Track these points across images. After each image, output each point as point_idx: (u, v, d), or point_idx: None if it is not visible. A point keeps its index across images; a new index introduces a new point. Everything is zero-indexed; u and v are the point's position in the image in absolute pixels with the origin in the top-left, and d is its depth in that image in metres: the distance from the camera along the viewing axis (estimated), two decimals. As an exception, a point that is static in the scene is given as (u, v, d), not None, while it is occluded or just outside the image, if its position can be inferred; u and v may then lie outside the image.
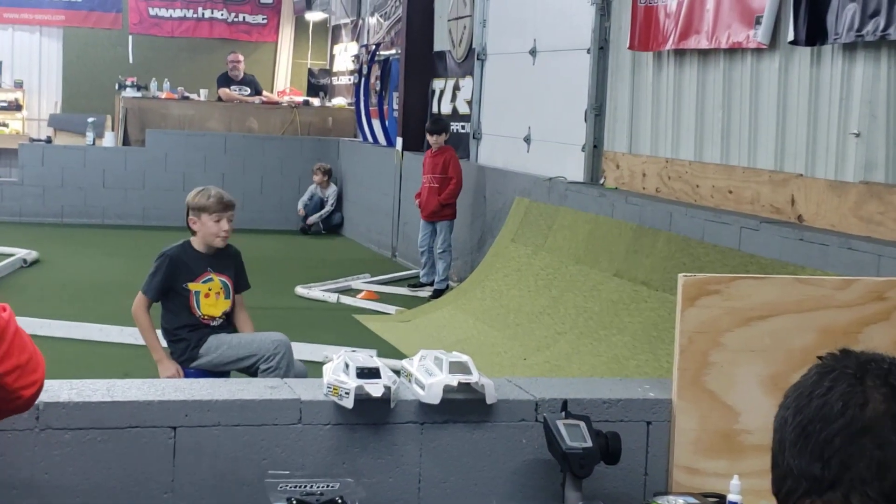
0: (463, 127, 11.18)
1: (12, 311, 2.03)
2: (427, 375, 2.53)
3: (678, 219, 7.10)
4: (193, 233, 5.29)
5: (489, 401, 2.53)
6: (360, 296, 9.90)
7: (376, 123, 13.63)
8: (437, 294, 9.95)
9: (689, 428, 2.59)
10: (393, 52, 13.45)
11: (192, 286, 5.19)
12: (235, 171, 14.22)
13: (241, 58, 15.49)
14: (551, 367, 7.16)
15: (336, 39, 16.82)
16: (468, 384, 2.49)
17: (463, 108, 11.32)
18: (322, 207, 14.11)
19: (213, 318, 5.27)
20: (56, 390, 2.33)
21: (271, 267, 11.43)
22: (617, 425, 2.59)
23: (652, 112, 7.89)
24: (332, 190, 14.14)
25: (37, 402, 2.26)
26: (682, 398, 2.59)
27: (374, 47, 14.21)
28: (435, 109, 11.98)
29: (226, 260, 5.36)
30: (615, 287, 7.45)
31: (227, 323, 5.38)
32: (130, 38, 17.17)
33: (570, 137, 8.96)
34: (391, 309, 9.37)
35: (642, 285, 7.18)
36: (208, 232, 5.18)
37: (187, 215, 5.28)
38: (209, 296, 5.25)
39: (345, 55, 16.22)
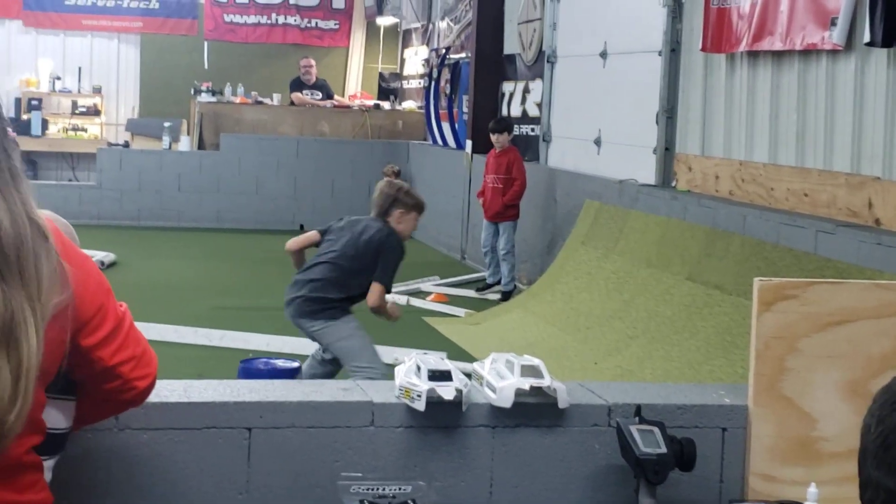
0: (533, 130, 11.17)
1: (128, 309, 2.13)
2: (498, 378, 2.52)
3: (752, 222, 7.02)
4: (387, 223, 5.75)
5: (561, 405, 2.52)
6: (429, 298, 9.93)
7: (446, 126, 13.67)
8: (506, 296, 9.94)
9: (765, 434, 2.55)
10: (463, 55, 13.47)
11: None
12: (307, 174, 14.35)
13: (312, 62, 15.61)
14: (623, 371, 7.12)
15: (407, 43, 16.88)
16: (540, 388, 2.49)
17: (533, 111, 11.30)
18: (393, 208, 14.09)
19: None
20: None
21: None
22: (692, 431, 2.56)
23: (725, 114, 7.81)
24: (402, 191, 14.14)
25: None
26: (758, 404, 2.55)
27: (444, 51, 14.25)
28: (505, 112, 11.98)
29: None
30: (688, 291, 7.38)
31: None
32: (206, 44, 17.39)
33: (642, 140, 8.90)
34: (461, 311, 9.38)
35: (715, 289, 7.10)
36: (410, 228, 5.84)
37: (396, 207, 5.74)
38: None
39: (415, 59, 16.28)
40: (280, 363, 5.84)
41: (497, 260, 10.23)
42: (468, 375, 2.70)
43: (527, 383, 2.47)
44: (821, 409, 2.52)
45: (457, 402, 2.46)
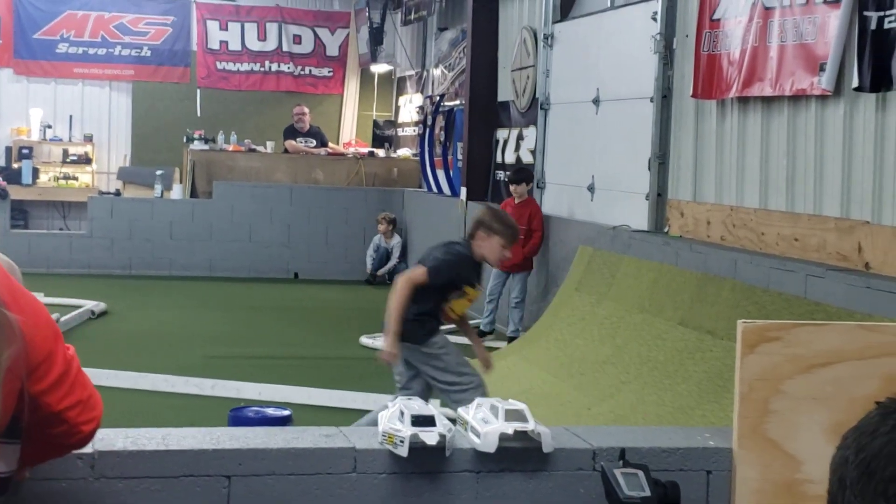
0: (526, 176, 11.17)
1: (75, 353, 2.09)
2: (483, 423, 2.49)
3: (743, 267, 7.01)
4: (472, 239, 5.86)
5: (546, 449, 2.49)
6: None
7: (441, 174, 13.69)
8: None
9: (750, 477, 2.53)
10: (457, 102, 13.53)
11: (466, 288, 5.80)
12: (301, 222, 14.35)
13: (306, 110, 15.67)
14: (615, 416, 7.08)
15: (401, 91, 16.97)
16: (524, 432, 2.46)
17: (527, 158, 11.33)
18: (388, 257, 14.15)
19: (453, 317, 6.01)
20: (111, 439, 2.33)
21: (337, 317, 11.49)
22: (676, 474, 2.54)
23: (716, 159, 7.83)
24: (396, 241, 14.19)
25: (92, 451, 2.28)
26: (742, 447, 2.53)
27: (438, 98, 14.31)
28: (499, 159, 12.01)
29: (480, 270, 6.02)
30: (680, 336, 7.36)
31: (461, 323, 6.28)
32: (199, 91, 17.46)
33: (634, 186, 8.91)
34: (454, 359, 9.32)
35: (707, 334, 7.08)
36: (493, 252, 5.83)
37: (479, 229, 5.83)
38: (467, 298, 5.88)
39: (410, 106, 16.36)
40: (270, 411, 5.78)
41: (495, 309, 10.20)
42: (453, 421, 2.67)
43: (511, 427, 2.44)
44: (806, 452, 2.49)
45: (440, 448, 2.43)
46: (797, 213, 6.89)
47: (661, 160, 8.59)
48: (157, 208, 14.18)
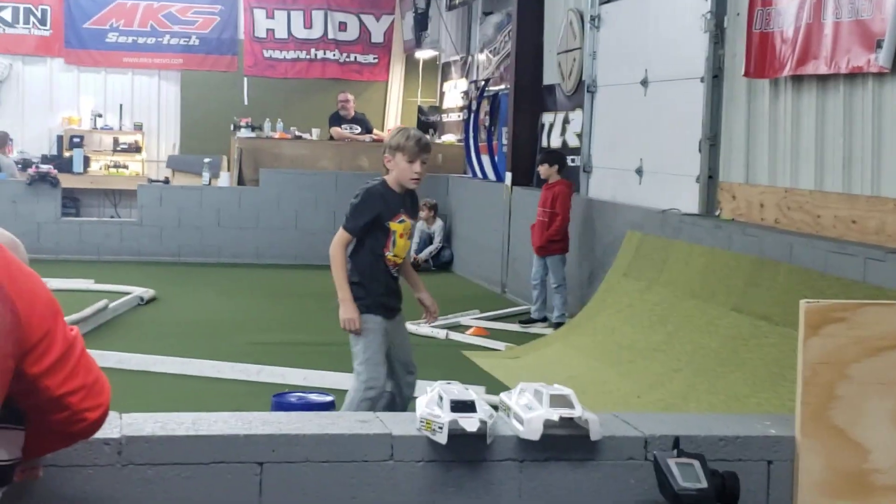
0: (573, 160, 11.01)
1: (80, 336, 1.97)
2: (526, 409, 2.37)
3: (799, 250, 6.82)
4: (387, 171, 5.42)
5: (594, 437, 2.36)
6: (469, 332, 9.77)
7: (486, 159, 13.55)
8: (558, 329, 9.76)
9: (814, 467, 2.38)
10: (502, 87, 13.37)
11: (392, 225, 5.35)
12: (346, 208, 14.22)
13: (350, 97, 15.58)
14: (666, 405, 6.92)
15: (446, 77, 16.83)
16: (571, 419, 2.33)
17: (573, 142, 11.17)
18: (430, 242, 14.06)
19: (397, 262, 5.48)
20: (140, 424, 2.24)
21: (382, 303, 11.38)
22: (735, 465, 2.39)
23: (769, 140, 7.63)
24: (438, 225, 14.09)
25: (119, 436, 2.18)
26: (806, 435, 2.38)
27: (483, 83, 14.16)
28: (545, 143, 11.85)
29: (414, 202, 5.55)
30: (733, 322, 7.18)
31: (404, 265, 5.60)
32: (245, 79, 17.44)
33: (684, 168, 8.73)
34: (501, 345, 9.20)
35: (762, 320, 6.90)
36: (402, 172, 5.29)
37: (384, 154, 5.45)
38: (403, 236, 5.42)
39: (454, 92, 16.21)
40: (314, 397, 5.68)
41: (545, 294, 10.08)
42: (496, 407, 2.55)
43: (556, 414, 2.31)
44: (873, 440, 2.34)
45: (481, 435, 2.31)
46: (854, 195, 6.68)
47: (712, 141, 8.40)
48: (205, 196, 14.17)
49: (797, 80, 7.27)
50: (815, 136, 7.09)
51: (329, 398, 5.64)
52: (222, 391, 7.37)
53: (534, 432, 2.35)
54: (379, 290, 5.47)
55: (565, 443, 2.39)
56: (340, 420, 2.38)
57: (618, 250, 9.22)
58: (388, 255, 5.42)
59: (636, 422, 2.48)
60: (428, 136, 5.62)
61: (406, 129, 5.65)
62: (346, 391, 7.35)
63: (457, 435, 2.29)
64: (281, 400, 5.61)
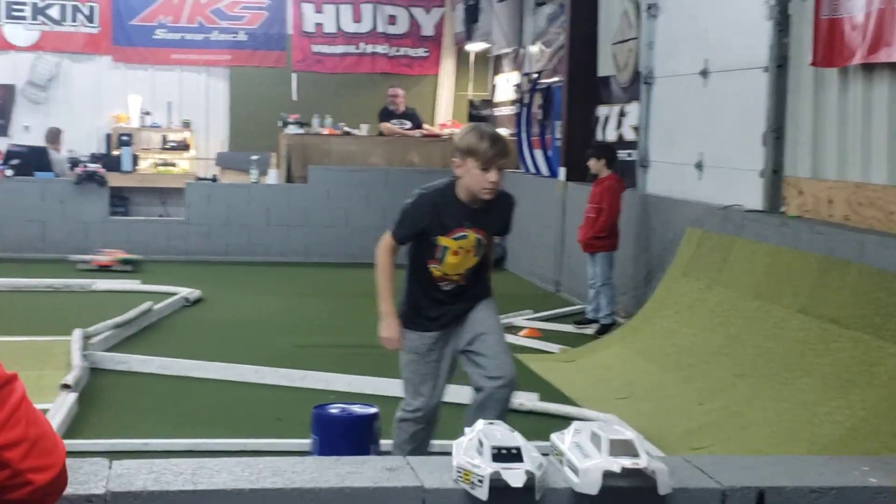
0: (629, 154, 10.64)
1: (22, 383, 1.61)
2: (582, 457, 2.03)
3: (871, 249, 6.41)
4: (456, 177, 4.67)
5: (662, 490, 2.01)
6: (521, 333, 9.44)
7: (538, 153, 13.20)
8: (604, 330, 9.42)
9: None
10: (555, 79, 13.01)
11: (442, 240, 4.63)
12: (396, 205, 13.92)
13: (400, 92, 15.29)
14: (730, 413, 6.56)
15: (498, 70, 16.47)
16: (635, 469, 1.99)
17: (629, 135, 10.79)
18: (484, 240, 13.73)
19: (451, 280, 4.72)
20: (131, 475, 1.93)
21: (432, 303, 11.09)
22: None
23: (838, 132, 7.22)
24: (493, 217, 13.76)
25: (105, 492, 1.87)
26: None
27: (535, 75, 13.80)
28: (600, 137, 11.48)
29: (489, 212, 4.71)
30: (800, 325, 6.78)
31: (467, 282, 4.76)
32: (294, 75, 17.21)
33: (747, 162, 8.32)
34: (555, 347, 8.87)
35: (832, 323, 6.50)
36: (473, 180, 4.55)
37: (453, 157, 4.74)
38: (458, 253, 4.67)
39: (506, 85, 15.86)
40: (356, 409, 5.38)
41: (597, 295, 9.74)
42: (545, 452, 2.21)
43: (617, 464, 1.97)
44: None
45: (528, 488, 1.97)
46: (932, 190, 6.27)
47: (776, 134, 7.99)
48: (253, 194, 13.97)
49: (868, 68, 6.85)
50: (887, 128, 6.67)
51: (372, 410, 5.33)
52: (264, 398, 7.13)
53: (591, 485, 2.01)
54: (421, 304, 4.84)
55: (629, 497, 2.04)
56: (364, 468, 2.06)
57: (677, 248, 8.84)
58: (434, 269, 4.73)
59: (712, 469, 2.13)
60: (506, 139, 4.77)
61: (479, 127, 4.80)
62: (392, 398, 7.09)
63: (500, 488, 1.95)
64: (321, 412, 5.32)
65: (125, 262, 12.43)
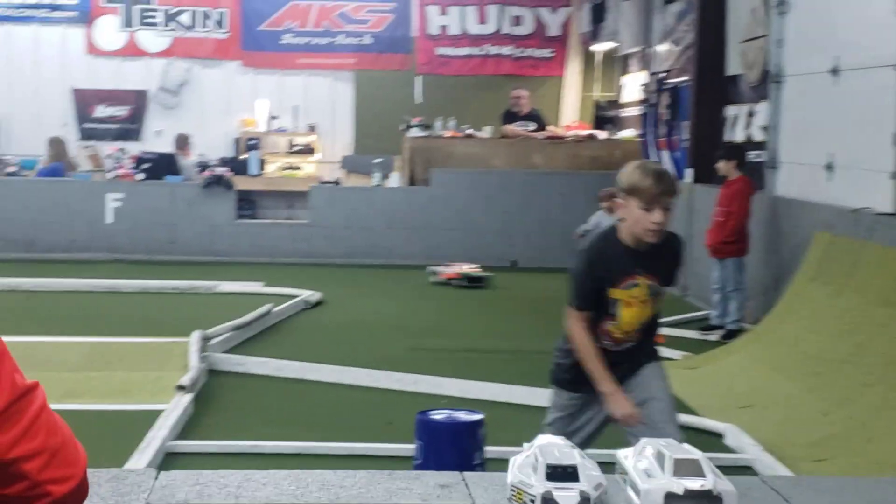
0: (758, 156, 10.32)
1: (43, 391, 1.56)
2: (645, 477, 1.90)
3: None
4: (621, 219, 4.18)
5: (730, 514, 1.87)
6: (644, 339, 9.23)
7: (665, 155, 12.93)
8: (729, 336, 9.15)
9: None
10: (683, 79, 12.72)
11: (614, 293, 4.15)
12: (518, 208, 13.89)
13: (524, 93, 15.14)
14: (855, 423, 6.27)
15: (625, 69, 16.21)
16: (700, 491, 1.84)
17: (758, 136, 10.46)
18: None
19: (628, 337, 4.23)
20: (174, 487, 1.87)
21: (550, 307, 10.90)
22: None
23: (975, 131, 6.84)
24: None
25: (147, 502, 1.80)
26: None
27: (663, 75, 13.52)
28: (727, 137, 11.17)
29: (659, 257, 4.22)
30: (933, 333, 6.46)
31: (639, 340, 4.27)
32: (418, 78, 17.22)
33: (878, 163, 7.96)
34: (677, 354, 8.64)
35: (966, 332, 6.16)
36: (636, 222, 4.08)
37: (616, 196, 4.32)
38: (632, 305, 4.18)
39: (633, 85, 15.59)
40: (462, 415, 5.28)
41: (723, 300, 9.47)
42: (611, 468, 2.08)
43: (680, 486, 1.83)
44: None
45: (583, 510, 1.85)
46: None
47: (908, 134, 7.63)
48: (376, 197, 14.01)
49: None
50: None
51: (478, 416, 5.23)
52: (375, 402, 7.10)
53: (652, 508, 1.88)
54: (567, 374, 4.39)
55: (693, 521, 1.90)
56: (417, 483, 1.96)
57: (805, 252, 8.52)
58: (612, 328, 4.22)
59: (789, 490, 1.97)
60: (672, 175, 4.27)
61: (644, 164, 4.24)
62: (503, 404, 6.99)
63: (552, 509, 1.83)
64: (425, 419, 5.24)
65: (465, 276, 12.37)
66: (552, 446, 1.97)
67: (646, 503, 1.86)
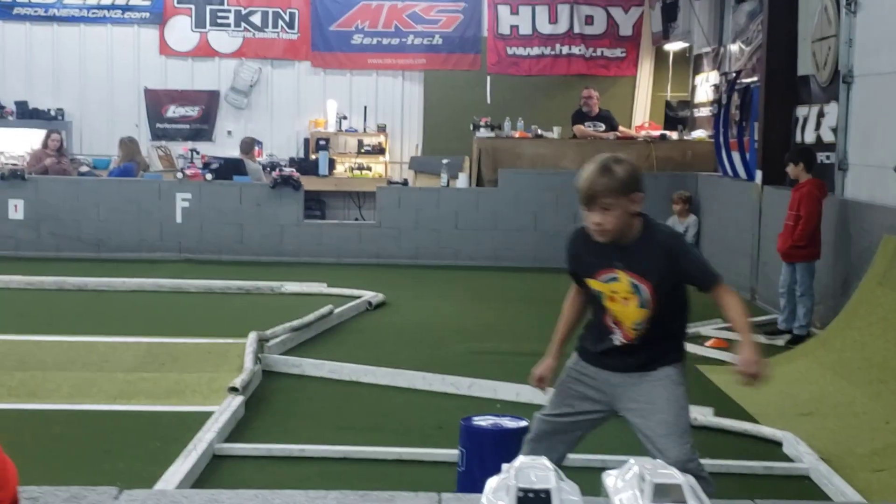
0: (828, 157, 10.08)
1: None
2: (623, 502, 1.80)
3: None
4: None
5: (713, 547, 1.75)
6: (707, 343, 9.07)
7: (736, 156, 12.70)
8: (796, 341, 8.95)
9: None
10: (754, 79, 12.49)
11: (592, 283, 4.07)
12: (586, 210, 13.73)
13: (594, 93, 15.00)
14: (919, 434, 6.09)
15: (697, 69, 15.97)
16: (681, 522, 1.73)
17: (828, 137, 10.21)
18: (684, 240, 13.37)
19: (630, 334, 4.06)
20: None
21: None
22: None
23: None
24: (691, 220, 13.39)
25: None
26: None
27: (734, 75, 13.29)
28: (798, 139, 10.93)
29: (646, 254, 3.98)
30: None
31: (641, 342, 4.06)
32: (489, 77, 17.14)
33: (947, 166, 7.73)
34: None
35: None
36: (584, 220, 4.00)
37: None
38: (615, 299, 4.03)
39: (705, 85, 15.35)
40: (506, 421, 5.22)
41: (794, 303, 9.27)
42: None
43: (659, 513, 1.73)
44: None
45: (552, 540, 1.75)
46: None
47: (979, 136, 7.38)
48: (443, 197, 13.97)
49: None
50: None
51: (522, 423, 5.16)
52: (428, 406, 7.04)
53: (628, 537, 1.78)
54: (583, 343, 4.33)
55: (670, 552, 1.79)
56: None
57: (873, 256, 8.30)
58: (610, 323, 4.12)
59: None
60: (614, 175, 4.00)
61: (593, 161, 4.10)
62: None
63: (522, 539, 1.73)
64: (469, 425, 5.19)
65: None
66: (530, 468, 1.88)
67: (621, 531, 1.78)
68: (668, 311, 4.03)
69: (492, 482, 1.86)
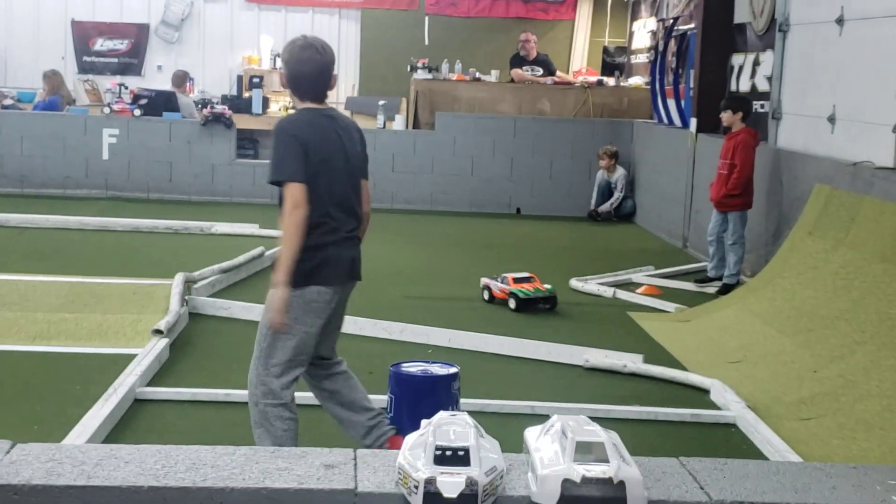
0: (762, 106, 10.09)
1: None
2: (544, 461, 1.73)
3: None
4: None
5: (633, 503, 1.69)
6: (639, 290, 9.10)
7: (672, 103, 12.68)
8: (726, 289, 8.99)
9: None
10: (691, 26, 12.45)
11: None
12: (524, 154, 13.69)
13: (532, 37, 14.88)
14: (845, 382, 6.14)
15: (635, 15, 15.91)
16: (600, 479, 1.66)
17: (763, 85, 10.22)
18: (610, 193, 13.37)
19: None
20: (24, 463, 1.69)
21: (553, 256, 10.79)
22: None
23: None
24: (619, 173, 13.37)
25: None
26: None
27: (671, 22, 13.23)
28: (733, 87, 10.92)
29: None
30: (927, 292, 6.29)
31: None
32: (427, 18, 16.92)
33: (880, 116, 7.74)
34: (671, 306, 8.48)
35: (961, 292, 5.99)
36: None
37: None
38: None
39: (643, 31, 15.30)
40: (436, 368, 5.15)
41: (722, 252, 9.29)
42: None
43: (578, 472, 1.66)
44: None
45: (469, 497, 1.67)
46: None
47: (912, 87, 7.40)
48: (380, 140, 13.79)
49: None
50: None
51: (453, 370, 5.10)
52: (359, 351, 6.94)
53: (549, 496, 1.70)
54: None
55: (594, 511, 1.72)
56: (300, 464, 1.79)
57: (804, 205, 8.33)
58: None
59: (708, 476, 1.79)
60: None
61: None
62: (493, 355, 6.86)
63: (437, 495, 1.66)
64: (397, 371, 5.12)
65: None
66: (449, 424, 1.80)
67: (541, 490, 1.70)
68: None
69: (409, 439, 1.78)
